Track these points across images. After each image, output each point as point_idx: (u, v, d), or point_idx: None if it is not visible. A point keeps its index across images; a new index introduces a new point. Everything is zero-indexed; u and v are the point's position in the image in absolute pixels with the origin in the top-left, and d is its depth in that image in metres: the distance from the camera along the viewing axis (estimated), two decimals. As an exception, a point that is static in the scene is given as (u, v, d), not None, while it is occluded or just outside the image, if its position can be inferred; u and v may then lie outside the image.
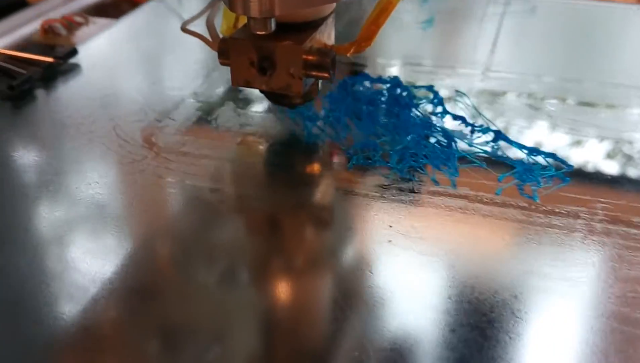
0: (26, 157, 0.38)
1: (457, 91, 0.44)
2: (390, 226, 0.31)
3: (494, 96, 0.44)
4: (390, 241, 0.31)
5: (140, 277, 0.29)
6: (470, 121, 0.40)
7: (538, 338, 0.25)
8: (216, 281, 0.29)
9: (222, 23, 0.41)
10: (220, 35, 0.38)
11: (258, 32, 0.33)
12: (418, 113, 0.41)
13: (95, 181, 0.35)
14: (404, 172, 0.36)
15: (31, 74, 0.45)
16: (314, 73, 0.34)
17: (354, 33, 0.37)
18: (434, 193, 0.34)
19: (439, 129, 0.39)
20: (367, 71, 0.48)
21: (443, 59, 0.51)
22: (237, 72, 0.35)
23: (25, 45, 0.54)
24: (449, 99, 0.43)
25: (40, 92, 0.45)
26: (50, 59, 0.48)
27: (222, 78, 0.47)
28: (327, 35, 0.37)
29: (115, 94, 0.45)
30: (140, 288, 0.28)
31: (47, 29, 0.55)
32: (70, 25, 0.57)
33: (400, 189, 0.34)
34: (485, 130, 0.39)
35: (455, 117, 0.41)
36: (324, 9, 0.35)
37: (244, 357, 0.25)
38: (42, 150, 0.39)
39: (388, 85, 0.44)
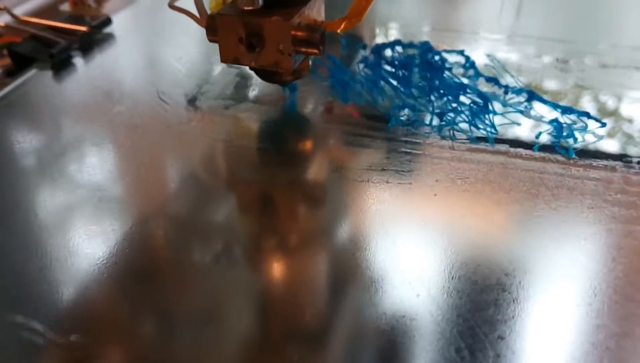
0: (76, 122, 0.39)
1: (487, 55, 0.45)
2: (436, 181, 0.33)
3: (521, 59, 0.45)
4: (435, 194, 0.32)
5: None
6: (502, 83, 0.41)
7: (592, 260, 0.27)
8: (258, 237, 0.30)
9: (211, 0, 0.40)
10: (209, 12, 0.37)
11: (246, 8, 0.33)
12: (451, 76, 0.42)
13: (145, 141, 0.37)
14: (443, 131, 0.37)
15: (70, 43, 0.46)
16: (303, 49, 0.34)
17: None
18: (473, 150, 0.35)
19: (473, 90, 0.40)
20: (395, 37, 0.49)
21: (468, 25, 0.52)
22: (226, 49, 0.35)
23: (54, 16, 0.55)
24: (476, 64, 0.44)
25: (78, 61, 0.46)
26: (84, 28, 0.49)
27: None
28: (317, 10, 0.36)
29: (152, 61, 0.46)
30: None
31: (77, 1, 0.56)
32: (98, -4, 0.58)
33: (440, 147, 0.35)
34: (518, 91, 0.40)
35: (488, 79, 0.42)
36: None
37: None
38: (88, 115, 0.40)
39: (420, 50, 0.45)
